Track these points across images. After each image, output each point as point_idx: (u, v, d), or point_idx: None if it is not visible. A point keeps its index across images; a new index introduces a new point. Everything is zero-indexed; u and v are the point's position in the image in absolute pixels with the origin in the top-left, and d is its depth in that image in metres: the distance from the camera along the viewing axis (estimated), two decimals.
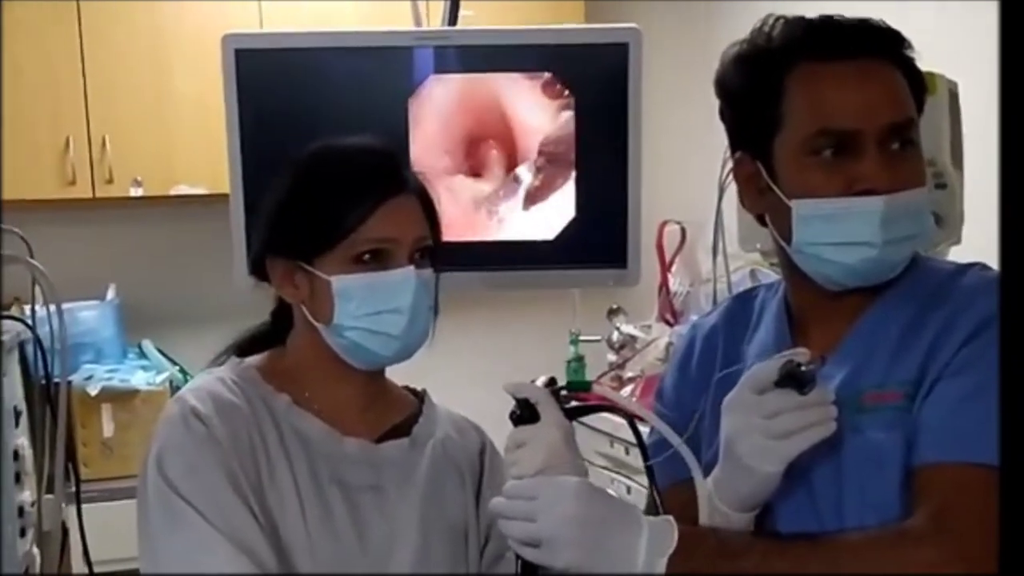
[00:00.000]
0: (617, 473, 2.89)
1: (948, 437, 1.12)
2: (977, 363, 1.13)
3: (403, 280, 1.30)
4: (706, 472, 1.22)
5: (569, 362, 3.26)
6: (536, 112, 1.94)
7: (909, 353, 1.19)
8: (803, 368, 1.12)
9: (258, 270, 1.38)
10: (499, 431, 1.43)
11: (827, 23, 1.22)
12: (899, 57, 1.21)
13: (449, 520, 1.38)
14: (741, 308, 1.40)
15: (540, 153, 1.94)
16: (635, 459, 2.58)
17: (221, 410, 1.29)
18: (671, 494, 1.25)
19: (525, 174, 1.95)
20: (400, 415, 1.43)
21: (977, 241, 1.80)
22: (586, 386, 1.29)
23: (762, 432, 1.13)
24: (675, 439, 1.22)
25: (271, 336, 1.42)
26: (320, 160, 1.36)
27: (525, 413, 1.22)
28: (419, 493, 1.37)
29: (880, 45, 1.20)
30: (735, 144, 1.30)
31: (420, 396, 1.48)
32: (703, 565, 1.12)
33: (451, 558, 1.37)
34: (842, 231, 1.19)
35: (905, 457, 1.15)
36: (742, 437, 1.15)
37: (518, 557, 1.17)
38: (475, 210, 1.95)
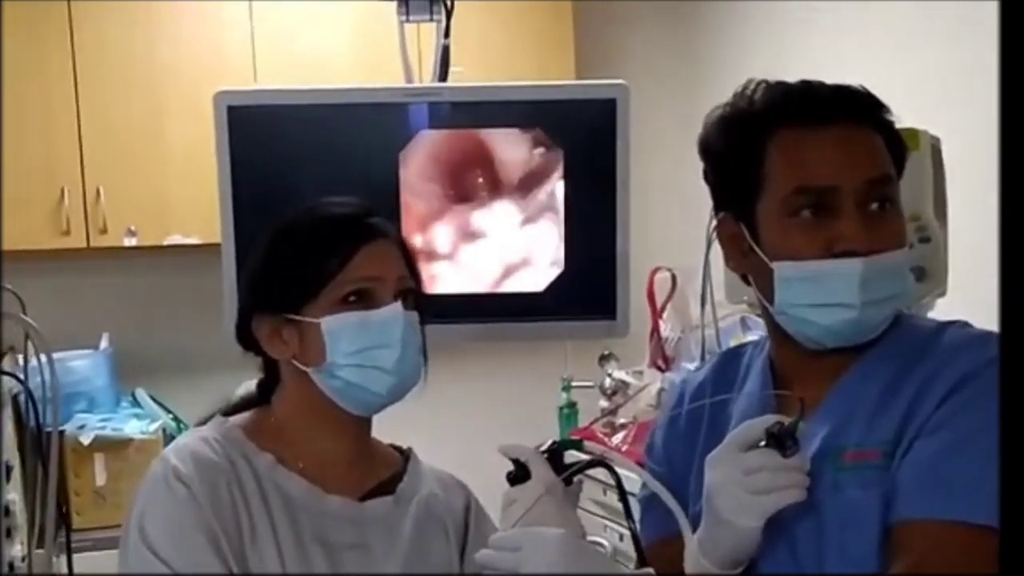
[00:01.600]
0: (611, 520, 2.89)
1: (924, 494, 1.13)
2: (954, 421, 1.15)
3: (391, 316, 1.32)
4: (694, 528, 1.23)
5: (561, 408, 3.27)
6: (525, 165, 1.96)
7: (889, 412, 1.20)
8: (789, 430, 1.14)
9: (243, 336, 1.40)
10: (492, 481, 1.44)
11: (807, 89, 1.24)
12: (877, 120, 1.24)
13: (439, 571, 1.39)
14: (729, 365, 1.41)
15: (529, 204, 1.96)
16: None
17: (202, 470, 1.30)
18: (660, 549, 1.27)
19: (514, 225, 1.97)
20: (385, 472, 1.44)
21: (963, 292, 1.82)
22: (577, 445, 1.33)
23: (742, 487, 1.15)
24: (665, 494, 1.23)
25: (258, 403, 1.43)
26: (297, 219, 1.39)
27: (519, 473, 1.28)
28: (403, 551, 1.37)
29: (858, 110, 1.23)
30: (719, 205, 1.32)
31: (405, 454, 1.49)
32: None
33: None
34: (822, 293, 1.20)
35: (883, 515, 1.16)
36: (723, 491, 1.16)
37: None
38: (464, 261, 1.96)
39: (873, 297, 1.20)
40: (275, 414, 1.41)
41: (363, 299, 1.33)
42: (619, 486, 1.30)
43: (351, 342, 1.32)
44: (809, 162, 1.21)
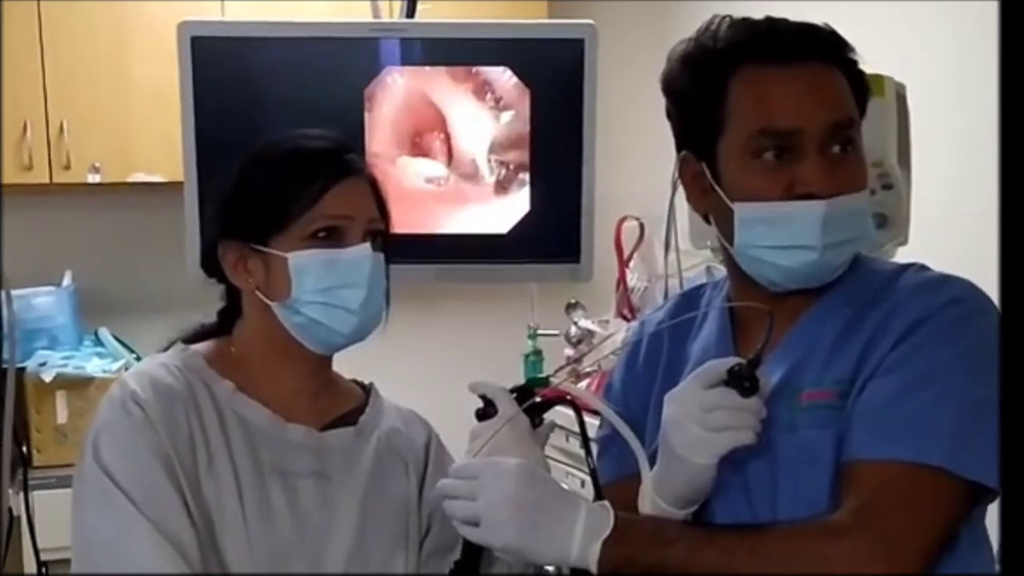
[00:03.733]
0: (572, 467, 2.91)
1: (876, 435, 1.14)
2: (908, 362, 1.15)
3: (359, 256, 1.31)
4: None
5: (527, 356, 3.27)
6: (491, 106, 1.94)
7: (845, 353, 1.20)
8: (748, 371, 1.14)
9: (208, 262, 1.39)
10: (456, 424, 1.44)
11: (771, 26, 1.23)
12: (842, 61, 1.23)
13: (390, 509, 1.39)
14: (687, 305, 1.41)
15: (494, 147, 1.95)
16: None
17: (160, 395, 1.30)
18: (617, 489, 1.27)
19: (479, 168, 1.96)
20: (347, 406, 1.44)
21: (924, 241, 1.83)
22: (544, 382, 1.33)
23: (698, 423, 1.14)
24: (627, 431, 1.24)
25: (218, 331, 1.42)
26: (272, 147, 1.37)
27: (487, 410, 1.29)
28: (361, 481, 1.37)
29: (823, 49, 1.22)
30: (680, 143, 1.31)
31: (367, 388, 1.49)
32: (635, 551, 1.14)
33: (389, 547, 1.37)
34: (782, 235, 1.20)
35: (837, 455, 1.17)
36: (678, 427, 1.16)
37: (464, 543, 1.22)
38: (427, 202, 1.95)
39: (833, 239, 1.19)
40: (236, 344, 1.40)
41: (332, 236, 1.31)
42: (580, 421, 1.31)
43: (317, 279, 1.30)
44: (773, 103, 1.19)
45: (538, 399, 1.30)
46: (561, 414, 2.37)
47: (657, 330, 1.40)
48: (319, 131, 1.38)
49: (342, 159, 1.35)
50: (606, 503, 1.17)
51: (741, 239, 1.23)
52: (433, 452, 1.47)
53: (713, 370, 1.17)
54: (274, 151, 1.36)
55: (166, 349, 1.41)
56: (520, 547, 1.15)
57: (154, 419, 1.27)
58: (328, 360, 1.42)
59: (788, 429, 1.20)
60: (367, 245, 1.32)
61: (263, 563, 1.29)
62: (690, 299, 1.43)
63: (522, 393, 1.30)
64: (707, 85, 1.23)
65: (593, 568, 1.14)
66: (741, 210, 1.22)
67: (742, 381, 1.13)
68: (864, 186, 1.24)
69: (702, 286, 1.45)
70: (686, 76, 1.26)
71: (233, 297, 1.41)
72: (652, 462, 1.23)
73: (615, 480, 1.31)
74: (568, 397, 1.33)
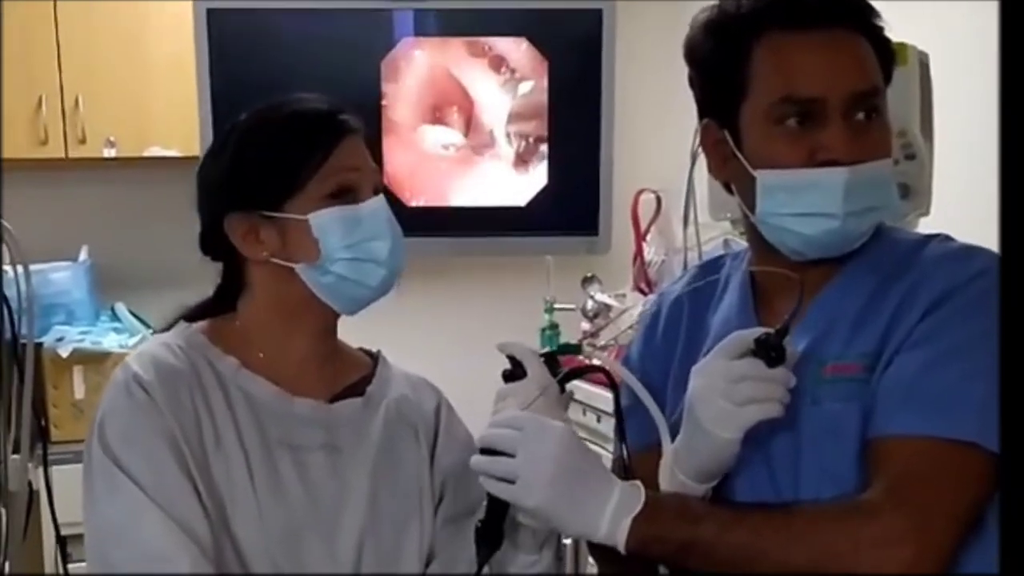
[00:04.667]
0: (589, 441, 2.90)
1: (904, 410, 1.12)
2: (936, 335, 1.13)
3: (377, 207, 1.32)
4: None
5: (543, 330, 3.25)
6: (508, 77, 1.93)
7: (870, 325, 1.19)
8: (775, 341, 1.12)
9: (208, 243, 1.38)
10: (473, 396, 1.43)
11: None
12: (867, 27, 1.21)
13: (402, 479, 1.38)
14: (706, 276, 1.39)
15: (512, 118, 1.93)
16: (606, 427, 2.59)
17: (164, 376, 1.29)
18: (638, 459, 1.26)
19: (496, 139, 1.94)
20: (355, 375, 1.43)
21: (946, 212, 1.81)
22: (576, 349, 1.37)
23: (724, 396, 1.13)
24: (652, 405, 1.23)
25: (219, 309, 1.41)
26: (267, 114, 1.35)
27: (515, 371, 1.27)
28: (372, 452, 1.37)
29: (848, 14, 1.20)
30: (703, 111, 1.29)
31: (375, 357, 1.48)
32: (663, 529, 1.13)
33: (403, 517, 1.37)
34: (804, 202, 1.18)
35: (862, 429, 1.15)
36: (705, 401, 1.15)
37: (489, 503, 1.19)
38: (446, 174, 1.94)
39: (856, 207, 1.18)
40: (240, 319, 1.39)
41: (346, 193, 1.31)
42: (615, 395, 1.29)
43: (343, 236, 1.30)
44: (796, 70, 1.17)
45: (572, 368, 1.29)
46: (577, 388, 2.37)
47: (676, 301, 1.39)
48: (308, 95, 1.36)
49: (339, 119, 1.33)
50: (638, 483, 1.15)
51: (763, 206, 1.21)
52: (444, 418, 1.46)
53: (739, 340, 1.15)
54: (270, 118, 1.35)
55: (168, 328, 1.40)
56: (550, 512, 1.14)
57: (159, 401, 1.27)
58: (334, 328, 1.41)
59: (812, 402, 1.18)
60: (380, 197, 1.33)
61: (276, 538, 1.28)
62: (709, 270, 1.41)
63: (549, 359, 1.29)
64: (730, 51, 1.21)
65: (621, 546, 1.13)
66: (763, 177, 1.20)
67: (769, 351, 1.12)
68: (888, 154, 1.22)
69: (721, 257, 1.44)
70: (709, 42, 1.24)
71: (233, 273, 1.39)
72: (672, 435, 1.22)
73: (637, 451, 1.30)
74: (600, 365, 1.32)
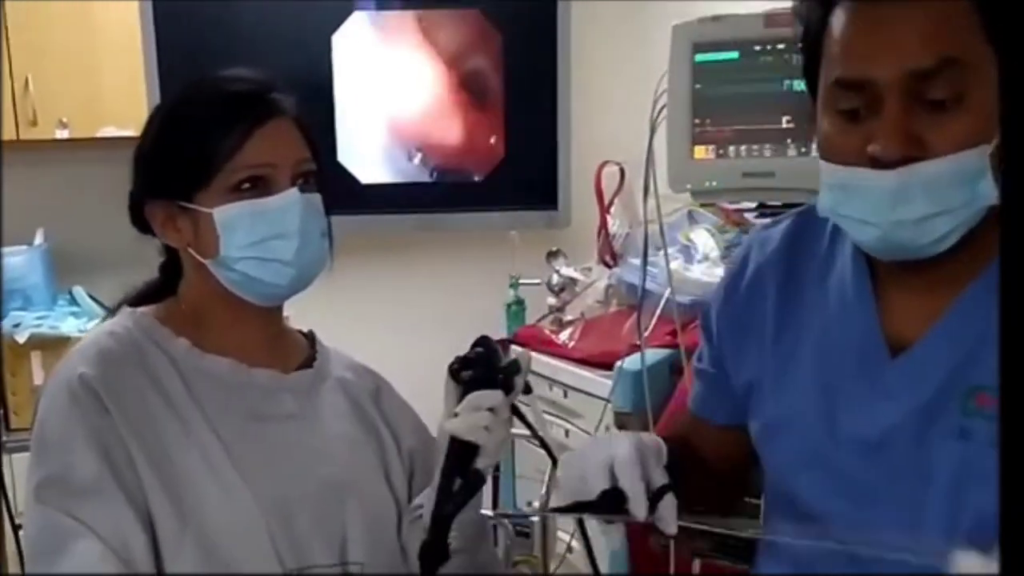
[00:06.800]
0: (555, 416, 2.89)
1: None
2: None
3: (287, 204, 1.25)
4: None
5: (509, 305, 3.24)
6: (460, 51, 1.89)
7: None
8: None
9: (139, 220, 1.33)
10: (439, 376, 1.40)
11: None
12: None
13: (366, 444, 1.37)
14: (810, 225, 1.20)
15: (466, 91, 1.90)
16: (573, 402, 2.57)
17: (112, 372, 1.24)
18: (690, 422, 1.26)
19: (451, 113, 1.91)
20: (300, 354, 1.41)
21: None
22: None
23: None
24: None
25: (162, 290, 1.38)
26: (189, 95, 1.31)
27: (467, 372, 1.16)
28: (333, 419, 1.35)
29: None
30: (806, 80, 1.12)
31: (310, 337, 1.45)
32: None
33: (375, 480, 1.34)
34: (852, 205, 1.03)
35: None
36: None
37: (448, 453, 1.13)
38: (400, 148, 1.91)
39: (909, 215, 0.99)
40: (184, 301, 1.35)
41: (257, 186, 1.25)
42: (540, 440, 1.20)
43: (246, 233, 1.25)
44: (848, 47, 1.01)
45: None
46: (544, 363, 2.34)
47: (770, 257, 1.21)
48: (240, 71, 1.31)
49: (263, 100, 1.27)
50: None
51: (822, 202, 1.06)
52: (385, 400, 1.43)
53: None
54: (189, 101, 1.30)
55: (113, 312, 1.36)
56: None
57: (106, 399, 1.21)
58: (279, 309, 1.38)
59: (959, 436, 1.00)
60: (294, 190, 1.25)
61: (268, 510, 1.24)
62: (813, 222, 1.19)
63: (484, 357, 1.17)
64: (814, 18, 1.06)
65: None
66: (822, 170, 1.05)
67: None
68: (970, 144, 0.98)
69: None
70: (801, 9, 1.09)
71: (172, 253, 1.35)
72: (723, 388, 1.21)
73: (692, 416, 1.29)
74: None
